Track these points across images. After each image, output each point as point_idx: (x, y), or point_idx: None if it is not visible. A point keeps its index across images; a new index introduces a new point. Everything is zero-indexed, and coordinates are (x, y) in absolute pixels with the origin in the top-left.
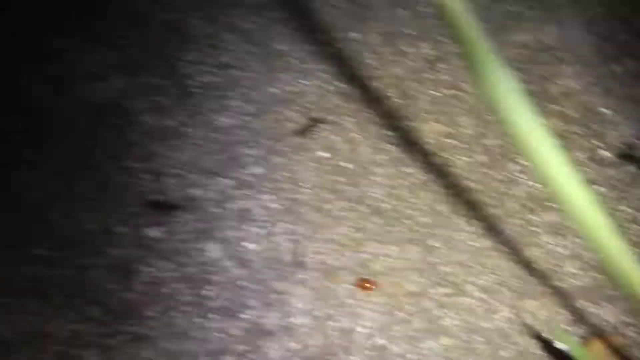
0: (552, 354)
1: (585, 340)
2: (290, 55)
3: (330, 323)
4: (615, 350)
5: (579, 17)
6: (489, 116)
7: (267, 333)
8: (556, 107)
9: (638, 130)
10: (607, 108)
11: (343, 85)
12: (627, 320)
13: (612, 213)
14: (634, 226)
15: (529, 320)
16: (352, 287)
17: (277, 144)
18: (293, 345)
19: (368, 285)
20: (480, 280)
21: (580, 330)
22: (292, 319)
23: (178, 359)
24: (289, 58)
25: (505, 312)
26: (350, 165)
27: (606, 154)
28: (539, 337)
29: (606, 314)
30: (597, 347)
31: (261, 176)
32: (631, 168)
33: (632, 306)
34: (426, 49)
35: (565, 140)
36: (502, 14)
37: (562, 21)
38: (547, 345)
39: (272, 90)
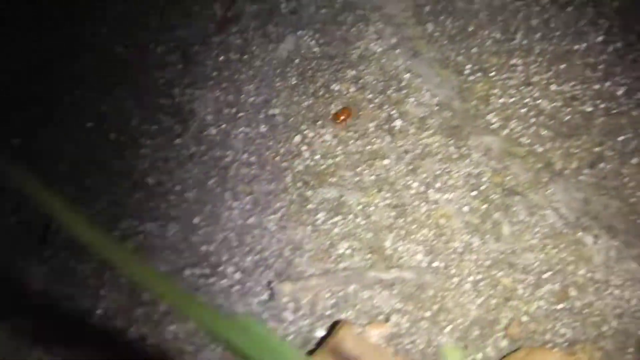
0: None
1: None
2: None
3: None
4: (388, 338)
5: None
6: (277, 83)
7: None
8: (353, 72)
9: (443, 94)
10: (410, 72)
11: (120, 50)
12: (400, 307)
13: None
14: (424, 204)
15: (290, 304)
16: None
17: None
18: None
19: None
20: (241, 260)
21: (347, 314)
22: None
23: None
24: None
25: (264, 295)
26: (117, 136)
27: (400, 123)
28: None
29: (379, 299)
30: (344, 331)
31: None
32: (425, 139)
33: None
34: (218, 10)
35: (359, 108)
36: None
37: None
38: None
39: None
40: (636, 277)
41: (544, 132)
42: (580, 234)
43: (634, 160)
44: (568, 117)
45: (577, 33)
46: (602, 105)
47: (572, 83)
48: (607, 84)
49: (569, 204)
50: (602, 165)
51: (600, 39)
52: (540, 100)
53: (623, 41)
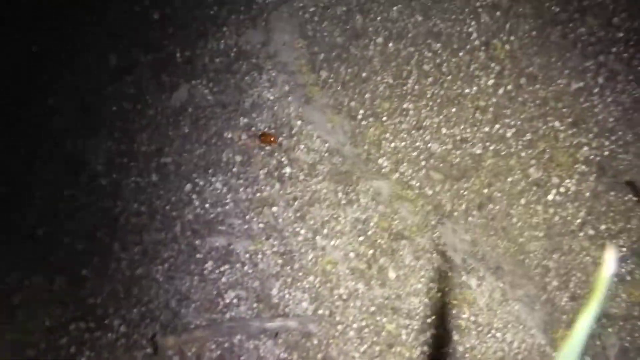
0: None
1: None
2: None
3: None
4: None
5: (289, 21)
6: (170, 131)
7: None
8: (245, 120)
9: (334, 140)
10: (301, 119)
11: (12, 99)
12: (285, 356)
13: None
14: (311, 251)
15: (175, 357)
16: None
17: None
18: None
19: None
20: (127, 313)
21: None
22: None
23: None
24: None
25: (148, 349)
26: (6, 187)
27: (289, 169)
28: None
29: (264, 349)
30: None
31: None
32: (314, 185)
33: None
34: (113, 59)
35: (244, 155)
36: (202, 18)
37: (268, 25)
38: None
39: None
40: (519, 319)
41: (434, 175)
42: (465, 277)
43: (522, 201)
44: (458, 160)
45: (468, 77)
46: (492, 147)
47: (463, 126)
48: (497, 126)
49: (456, 246)
50: (490, 206)
51: (491, 82)
52: (431, 144)
53: (513, 84)
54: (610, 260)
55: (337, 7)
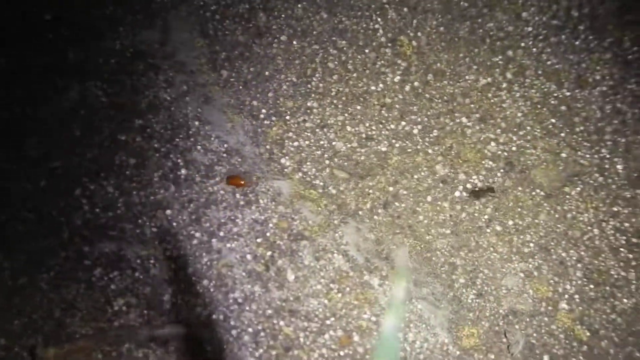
0: None
1: None
2: None
3: None
4: None
5: (188, 19)
6: (60, 135)
7: None
8: (140, 122)
9: (234, 140)
10: (199, 120)
11: None
12: None
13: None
14: (205, 255)
15: None
16: None
17: None
18: None
19: None
20: (7, 324)
21: None
22: None
23: None
24: None
25: None
26: None
27: (185, 171)
28: None
29: (153, 357)
30: None
31: None
32: (211, 187)
33: None
34: (3, 63)
35: (138, 157)
36: (97, 18)
37: (166, 24)
38: None
39: None
40: (422, 318)
41: (338, 174)
42: (367, 276)
43: (429, 198)
44: (363, 158)
45: (374, 74)
46: (398, 145)
47: (368, 123)
48: (403, 123)
49: (359, 246)
50: (396, 204)
51: (397, 79)
52: (335, 142)
53: (420, 80)
54: (402, 257)
55: (239, 5)
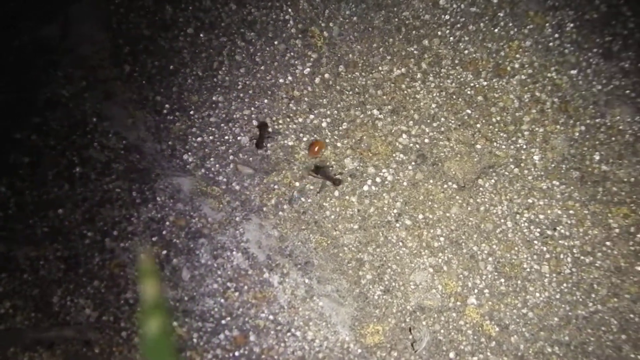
0: None
1: None
2: None
3: None
4: None
5: (90, 13)
6: None
7: None
8: (37, 119)
9: (134, 136)
10: (98, 116)
11: None
12: None
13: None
14: (97, 255)
15: None
16: None
17: None
18: None
19: None
20: None
21: None
22: None
23: None
24: None
25: None
26: None
27: (80, 169)
28: None
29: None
30: None
31: None
32: (106, 184)
33: None
34: None
35: (33, 155)
36: (4, 13)
37: (68, 18)
38: None
39: None
40: (323, 316)
41: (243, 169)
42: (266, 274)
43: (336, 193)
44: (269, 152)
45: (283, 66)
46: (306, 139)
47: (275, 117)
48: (312, 116)
49: (261, 243)
50: (302, 200)
51: (307, 71)
52: (241, 137)
53: (331, 72)
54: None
55: None
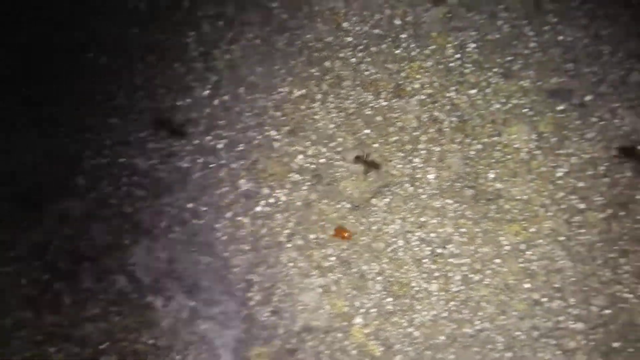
0: None
1: None
2: None
3: None
4: None
5: None
6: None
7: None
8: None
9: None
10: None
11: None
12: None
13: None
14: None
15: None
16: None
17: None
18: None
19: None
20: None
21: None
22: None
23: None
24: None
25: None
26: None
27: None
28: None
29: None
30: None
31: None
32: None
33: None
34: None
35: None
36: None
37: None
38: None
39: None
40: (205, 339)
41: (135, 191)
42: (150, 297)
43: (229, 214)
44: (164, 175)
45: (183, 88)
46: (201, 160)
47: (170, 140)
48: (208, 137)
49: (149, 266)
50: (194, 221)
51: (206, 93)
52: (136, 159)
53: (231, 94)
54: None
55: None
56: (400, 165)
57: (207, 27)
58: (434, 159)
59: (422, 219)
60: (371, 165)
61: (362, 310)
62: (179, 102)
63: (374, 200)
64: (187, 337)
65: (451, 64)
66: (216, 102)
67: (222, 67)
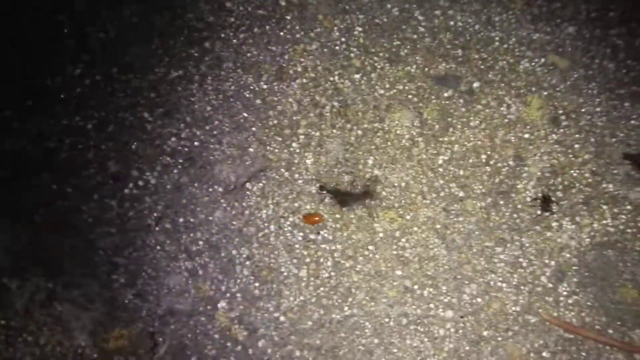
0: None
1: None
2: None
3: None
4: None
5: None
6: None
7: None
8: None
9: None
10: None
11: None
12: None
13: None
14: None
15: None
16: None
17: None
18: None
19: None
20: None
21: None
22: None
23: None
24: None
25: None
26: None
27: None
28: None
29: None
30: None
31: None
32: None
33: None
34: None
35: None
36: None
37: None
38: None
39: None
40: (60, 320)
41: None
42: (6, 279)
43: (96, 196)
44: (30, 155)
45: (54, 67)
46: (69, 141)
47: (40, 119)
48: (77, 118)
49: (10, 248)
50: (60, 202)
51: (77, 72)
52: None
53: (103, 74)
54: None
55: None
56: (277, 150)
57: (81, 4)
58: (313, 144)
59: (296, 204)
60: None
61: (227, 295)
62: (48, 82)
63: (248, 185)
64: (42, 319)
65: (336, 47)
66: (87, 81)
67: (95, 46)
